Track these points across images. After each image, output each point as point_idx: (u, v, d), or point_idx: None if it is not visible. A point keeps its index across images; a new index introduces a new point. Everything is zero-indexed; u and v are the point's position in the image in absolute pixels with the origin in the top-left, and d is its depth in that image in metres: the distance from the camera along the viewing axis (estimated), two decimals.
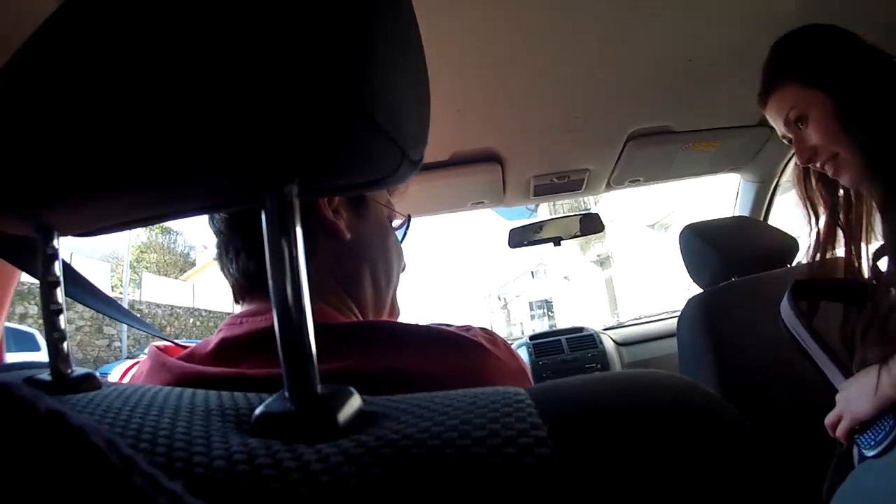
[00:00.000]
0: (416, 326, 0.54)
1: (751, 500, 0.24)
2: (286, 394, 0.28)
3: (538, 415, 0.26)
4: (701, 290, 1.26)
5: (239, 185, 0.30)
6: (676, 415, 0.27)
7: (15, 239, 0.41)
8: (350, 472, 0.23)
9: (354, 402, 0.29)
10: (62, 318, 0.39)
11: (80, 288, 0.50)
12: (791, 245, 1.37)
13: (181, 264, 27.31)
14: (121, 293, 14.02)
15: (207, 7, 0.24)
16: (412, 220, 0.82)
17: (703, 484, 0.24)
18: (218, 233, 0.59)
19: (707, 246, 1.26)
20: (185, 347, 0.58)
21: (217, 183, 0.30)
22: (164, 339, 0.65)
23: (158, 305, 15.72)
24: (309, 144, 0.27)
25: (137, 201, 0.33)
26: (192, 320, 16.94)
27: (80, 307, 12.29)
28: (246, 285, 0.59)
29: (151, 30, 0.25)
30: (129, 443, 0.26)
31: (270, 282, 0.28)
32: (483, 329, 0.58)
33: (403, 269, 0.77)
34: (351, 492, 0.22)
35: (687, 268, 1.34)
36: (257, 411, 0.28)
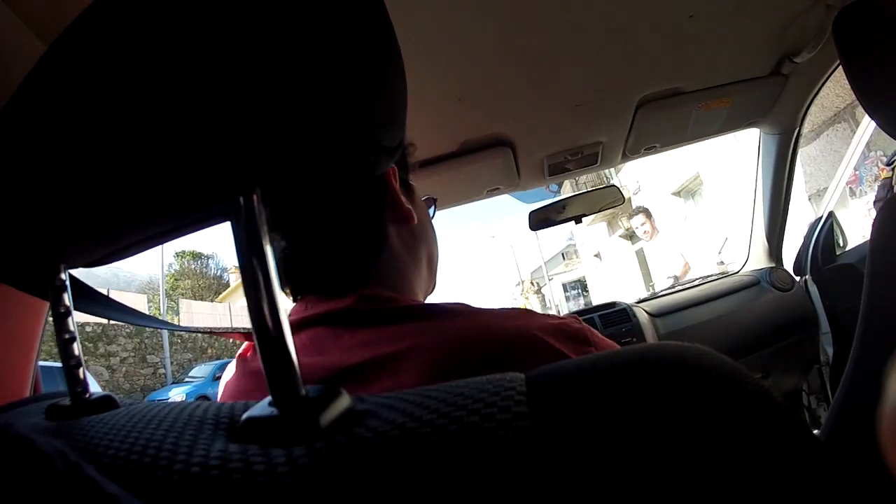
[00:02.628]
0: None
1: (750, 464, 0.23)
2: (271, 398, 0.29)
3: (526, 403, 0.26)
4: None
5: (204, 199, 0.31)
6: (667, 373, 0.26)
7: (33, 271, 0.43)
8: (313, 474, 0.23)
9: (341, 402, 0.29)
10: (76, 346, 0.41)
11: (93, 302, 0.52)
12: None
13: (215, 287, 27.96)
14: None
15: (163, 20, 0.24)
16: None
17: (701, 448, 0.23)
18: None
19: None
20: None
21: (183, 199, 0.30)
22: (188, 332, 0.70)
23: (197, 329, 16.09)
24: (264, 147, 0.27)
25: (129, 228, 0.34)
26: (231, 340, 17.27)
27: (122, 340, 12.70)
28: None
29: (118, 63, 0.25)
30: (121, 455, 0.27)
31: (244, 290, 0.28)
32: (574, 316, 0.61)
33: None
34: (310, 494, 0.23)
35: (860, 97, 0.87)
36: (243, 417, 0.29)
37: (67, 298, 0.40)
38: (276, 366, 0.28)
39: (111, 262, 0.41)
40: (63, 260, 0.39)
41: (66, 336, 0.40)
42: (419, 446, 0.24)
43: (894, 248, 0.91)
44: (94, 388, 0.42)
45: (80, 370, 0.40)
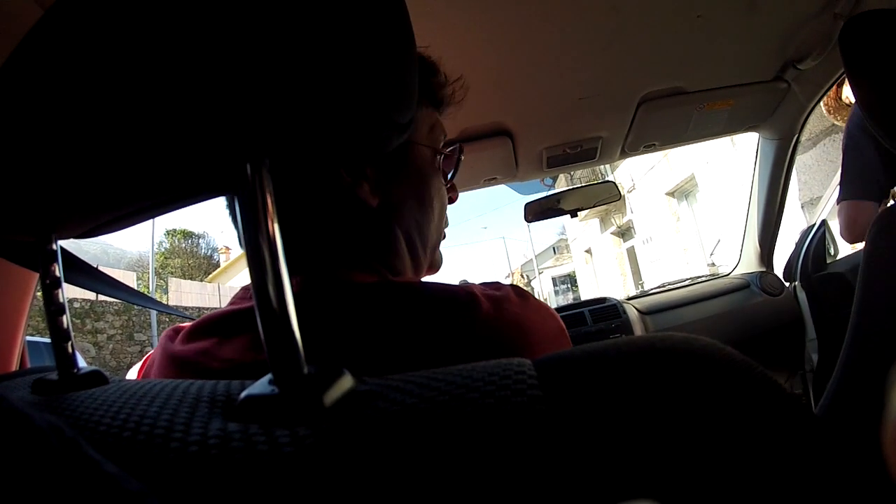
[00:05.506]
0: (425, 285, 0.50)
1: (752, 445, 0.23)
2: (271, 376, 0.28)
3: (539, 387, 0.25)
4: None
5: (210, 170, 0.30)
6: (679, 361, 0.25)
7: (23, 241, 0.42)
8: (320, 455, 0.23)
9: (344, 382, 0.28)
10: (64, 319, 0.39)
11: (83, 274, 0.50)
12: None
13: (205, 267, 27.84)
14: None
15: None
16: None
17: (716, 433, 0.22)
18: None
19: None
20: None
21: (187, 167, 0.29)
22: (179, 315, 0.66)
23: (186, 308, 16.09)
24: (273, 118, 0.26)
25: (125, 197, 0.33)
26: None
27: (110, 317, 12.63)
28: None
29: (119, 23, 0.25)
30: (113, 432, 0.27)
31: (248, 264, 0.27)
32: (514, 286, 0.54)
33: (446, 224, 0.70)
34: (317, 475, 0.22)
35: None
36: (241, 395, 0.28)
37: (57, 269, 0.39)
38: (278, 343, 0.27)
39: (105, 233, 0.40)
40: (55, 229, 0.38)
41: (55, 308, 0.39)
42: (432, 428, 0.23)
43: (888, 258, 0.93)
44: (81, 364, 0.40)
45: (69, 344, 0.39)
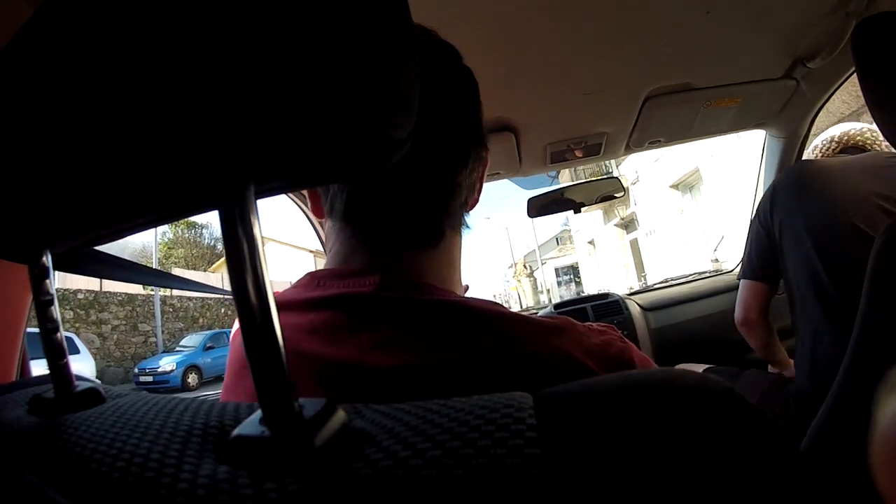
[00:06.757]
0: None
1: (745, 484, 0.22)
2: (261, 414, 0.27)
3: (537, 441, 0.24)
4: None
5: (194, 191, 0.28)
6: (684, 400, 0.25)
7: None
8: None
9: (336, 419, 0.27)
10: (59, 336, 0.38)
11: (101, 264, 0.50)
12: None
13: (209, 256, 27.91)
14: (152, 290, 14.39)
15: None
16: None
17: (724, 481, 0.22)
18: None
19: None
20: None
21: (173, 190, 0.28)
22: (208, 291, 0.65)
23: (189, 299, 16.18)
24: (260, 140, 0.25)
25: (116, 216, 0.32)
26: (223, 310, 17.34)
27: (114, 308, 12.70)
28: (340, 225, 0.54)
29: (98, 38, 0.24)
30: (104, 469, 0.26)
31: (233, 294, 0.26)
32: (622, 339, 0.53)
33: None
34: None
35: None
36: (233, 434, 0.27)
37: (50, 286, 0.38)
38: (267, 380, 0.26)
39: (97, 245, 0.39)
40: (46, 245, 0.37)
41: (50, 326, 0.38)
42: (425, 490, 0.22)
43: (893, 271, 0.93)
44: (86, 354, 0.39)
45: (65, 361, 0.38)
